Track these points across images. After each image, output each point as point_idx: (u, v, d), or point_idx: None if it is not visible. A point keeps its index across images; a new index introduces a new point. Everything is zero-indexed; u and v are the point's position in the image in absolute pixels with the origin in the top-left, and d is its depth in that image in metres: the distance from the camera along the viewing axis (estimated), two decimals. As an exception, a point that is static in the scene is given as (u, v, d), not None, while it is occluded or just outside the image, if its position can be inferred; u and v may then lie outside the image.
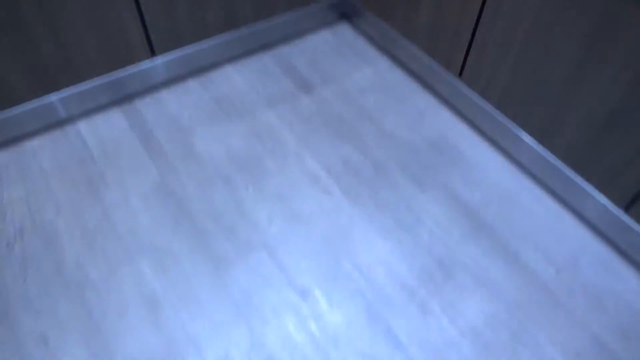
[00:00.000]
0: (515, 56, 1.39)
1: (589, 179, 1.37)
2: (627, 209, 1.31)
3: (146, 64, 1.68)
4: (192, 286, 1.26)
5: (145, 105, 1.70)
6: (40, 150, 1.55)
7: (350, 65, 1.88)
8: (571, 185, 1.42)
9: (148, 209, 1.41)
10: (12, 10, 1.30)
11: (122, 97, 1.71)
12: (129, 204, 1.42)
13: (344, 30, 2.04)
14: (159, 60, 1.70)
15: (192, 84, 1.78)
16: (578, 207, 1.44)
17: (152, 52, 1.67)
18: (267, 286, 1.27)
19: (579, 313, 1.24)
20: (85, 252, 1.31)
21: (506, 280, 1.30)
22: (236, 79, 1.81)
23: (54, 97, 1.55)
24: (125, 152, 1.56)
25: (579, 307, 1.25)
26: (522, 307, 1.25)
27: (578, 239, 1.39)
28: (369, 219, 1.42)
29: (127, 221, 1.38)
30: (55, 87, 1.54)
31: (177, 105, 1.71)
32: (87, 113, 1.66)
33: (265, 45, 1.94)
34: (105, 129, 1.62)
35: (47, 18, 1.36)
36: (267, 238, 1.36)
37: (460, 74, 1.63)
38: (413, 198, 1.47)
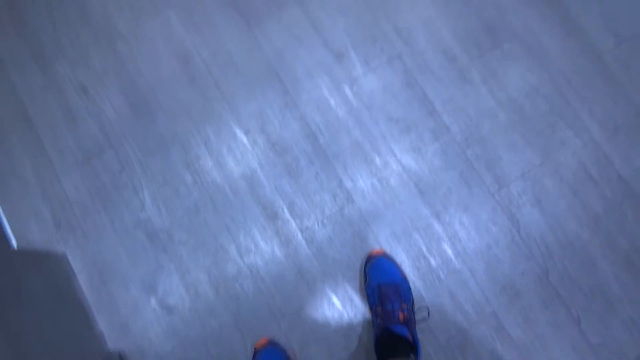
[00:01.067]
0: None
1: None
2: None
3: None
4: (223, 42, 1.20)
5: None
6: None
7: None
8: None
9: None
10: None
11: None
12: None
13: None
14: None
15: None
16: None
17: None
18: (300, 46, 1.21)
19: (628, 88, 1.17)
20: (109, 1, 1.23)
21: (558, 49, 1.20)
22: None
23: None
24: None
25: (630, 82, 1.18)
26: (569, 78, 1.18)
27: (651, 7, 1.23)
28: (415, -26, 1.25)
29: (148, -32, 1.25)
30: None
31: None
32: None
33: None
34: None
35: None
36: (301, -7, 1.24)
37: None
38: (470, -50, 1.26)
